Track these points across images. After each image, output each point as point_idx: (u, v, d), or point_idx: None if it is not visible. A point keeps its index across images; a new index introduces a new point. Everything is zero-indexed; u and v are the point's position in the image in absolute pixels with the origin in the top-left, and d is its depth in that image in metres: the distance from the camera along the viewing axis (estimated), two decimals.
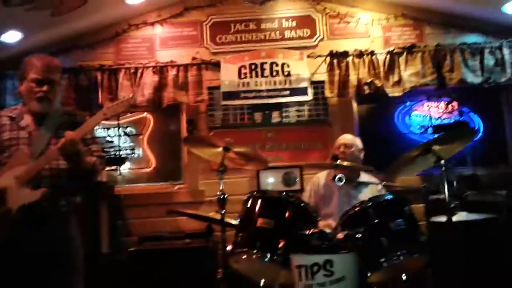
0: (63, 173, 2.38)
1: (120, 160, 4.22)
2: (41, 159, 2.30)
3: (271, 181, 4.16)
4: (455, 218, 2.71)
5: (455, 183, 3.43)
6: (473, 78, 4.06)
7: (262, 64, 4.26)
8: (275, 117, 4.25)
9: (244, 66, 4.26)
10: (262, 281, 2.57)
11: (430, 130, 4.27)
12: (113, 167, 4.20)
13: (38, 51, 4.10)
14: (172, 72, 4.15)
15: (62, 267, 2.34)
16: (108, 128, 4.34)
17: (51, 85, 2.40)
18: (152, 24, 4.33)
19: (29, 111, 2.43)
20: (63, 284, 2.35)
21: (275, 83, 4.23)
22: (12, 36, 3.86)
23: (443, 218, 2.63)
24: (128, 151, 4.32)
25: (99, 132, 4.25)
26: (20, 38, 3.90)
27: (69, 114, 2.53)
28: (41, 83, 2.38)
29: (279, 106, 4.23)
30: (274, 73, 4.24)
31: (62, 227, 2.41)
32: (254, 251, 2.42)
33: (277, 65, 4.25)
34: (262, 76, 4.24)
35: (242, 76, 4.24)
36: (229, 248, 2.58)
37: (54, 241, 2.34)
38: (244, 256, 2.47)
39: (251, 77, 4.24)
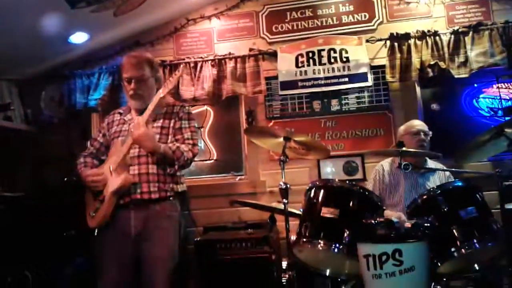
0: (152, 159, 2.51)
1: None
2: (123, 147, 2.48)
3: (332, 170, 4.11)
4: None
5: None
6: None
7: (319, 51, 4.20)
8: (335, 105, 4.18)
9: (301, 55, 4.22)
10: (328, 270, 2.56)
11: (500, 112, 4.05)
12: None
13: (103, 51, 4.35)
14: (230, 64, 4.19)
15: (151, 255, 2.47)
16: None
17: (139, 82, 2.56)
18: (209, 17, 4.39)
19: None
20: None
21: (333, 70, 4.17)
22: (80, 37, 4.06)
23: None
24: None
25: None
26: (87, 38, 4.11)
27: (168, 105, 2.68)
28: (130, 81, 2.56)
29: (338, 94, 4.16)
30: (332, 60, 4.17)
31: (155, 215, 2.51)
32: (319, 241, 2.40)
33: (335, 51, 4.18)
34: (320, 63, 4.19)
35: (300, 64, 4.21)
36: (293, 238, 2.58)
37: (147, 228, 2.48)
38: (309, 246, 2.46)
39: (308, 65, 4.20)
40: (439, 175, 3.18)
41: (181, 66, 3.35)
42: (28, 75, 4.43)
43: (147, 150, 2.45)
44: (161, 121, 2.58)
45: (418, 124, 3.31)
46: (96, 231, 2.55)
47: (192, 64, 4.24)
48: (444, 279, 2.48)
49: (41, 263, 3.59)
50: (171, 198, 2.58)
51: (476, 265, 2.46)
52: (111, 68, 4.29)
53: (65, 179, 3.56)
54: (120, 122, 2.66)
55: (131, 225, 2.47)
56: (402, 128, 3.39)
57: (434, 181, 3.13)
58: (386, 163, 3.32)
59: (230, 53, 4.24)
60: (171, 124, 2.60)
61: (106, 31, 4.18)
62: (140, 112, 2.57)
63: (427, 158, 3.24)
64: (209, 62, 4.22)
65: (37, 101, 4.39)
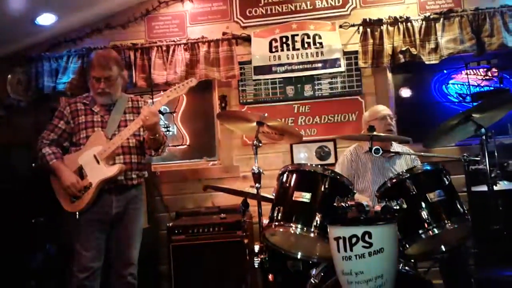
0: (133, 150, 2.85)
1: None
2: (116, 138, 2.73)
3: (304, 155, 4.14)
4: (496, 188, 2.63)
5: (495, 152, 3.33)
6: None
7: (293, 36, 4.20)
8: (308, 90, 4.20)
9: (275, 39, 4.21)
10: (299, 253, 2.59)
11: (468, 98, 4.14)
12: None
13: (72, 33, 4.25)
14: (203, 48, 4.14)
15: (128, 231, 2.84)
16: None
17: (107, 81, 2.77)
18: (182, 0, 4.31)
19: None
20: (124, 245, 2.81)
21: (307, 55, 4.17)
22: (47, 19, 3.94)
23: (484, 188, 2.55)
24: (163, 129, 4.36)
25: None
26: (55, 20, 3.98)
27: (132, 100, 2.96)
28: (98, 80, 2.76)
29: (312, 79, 4.18)
30: (306, 45, 4.18)
31: (133, 198, 2.87)
32: (291, 224, 2.42)
33: (308, 37, 4.18)
34: (294, 49, 4.19)
35: (273, 49, 4.20)
36: (265, 221, 2.59)
37: (125, 209, 2.82)
38: (281, 230, 2.48)
39: (282, 50, 4.20)
40: (405, 158, 3.22)
41: (194, 78, 3.12)
42: None
43: (154, 134, 2.76)
44: (129, 115, 2.88)
45: (382, 109, 3.32)
46: (77, 214, 2.72)
47: (164, 48, 4.17)
48: (412, 260, 2.55)
49: (10, 251, 3.52)
50: (142, 183, 2.98)
51: (443, 247, 2.52)
52: (80, 51, 4.18)
53: (33, 164, 3.49)
54: (88, 113, 2.83)
55: (113, 207, 2.77)
56: (366, 114, 3.38)
57: (400, 165, 3.17)
58: (352, 148, 3.33)
59: (203, 37, 4.18)
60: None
61: (75, 13, 4.06)
62: (108, 106, 2.84)
63: (393, 142, 3.28)
64: (182, 46, 4.16)
65: (3, 85, 4.25)
